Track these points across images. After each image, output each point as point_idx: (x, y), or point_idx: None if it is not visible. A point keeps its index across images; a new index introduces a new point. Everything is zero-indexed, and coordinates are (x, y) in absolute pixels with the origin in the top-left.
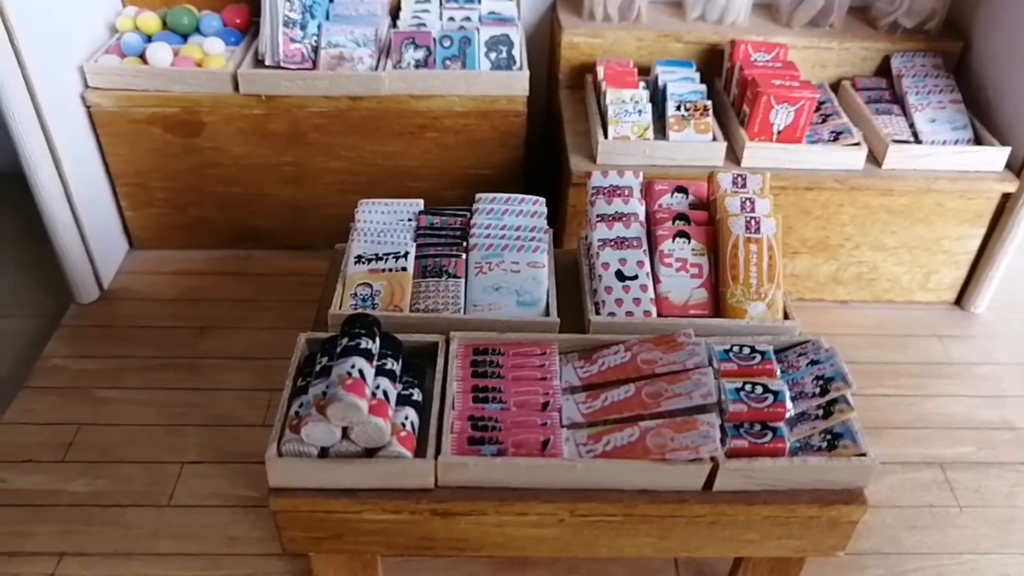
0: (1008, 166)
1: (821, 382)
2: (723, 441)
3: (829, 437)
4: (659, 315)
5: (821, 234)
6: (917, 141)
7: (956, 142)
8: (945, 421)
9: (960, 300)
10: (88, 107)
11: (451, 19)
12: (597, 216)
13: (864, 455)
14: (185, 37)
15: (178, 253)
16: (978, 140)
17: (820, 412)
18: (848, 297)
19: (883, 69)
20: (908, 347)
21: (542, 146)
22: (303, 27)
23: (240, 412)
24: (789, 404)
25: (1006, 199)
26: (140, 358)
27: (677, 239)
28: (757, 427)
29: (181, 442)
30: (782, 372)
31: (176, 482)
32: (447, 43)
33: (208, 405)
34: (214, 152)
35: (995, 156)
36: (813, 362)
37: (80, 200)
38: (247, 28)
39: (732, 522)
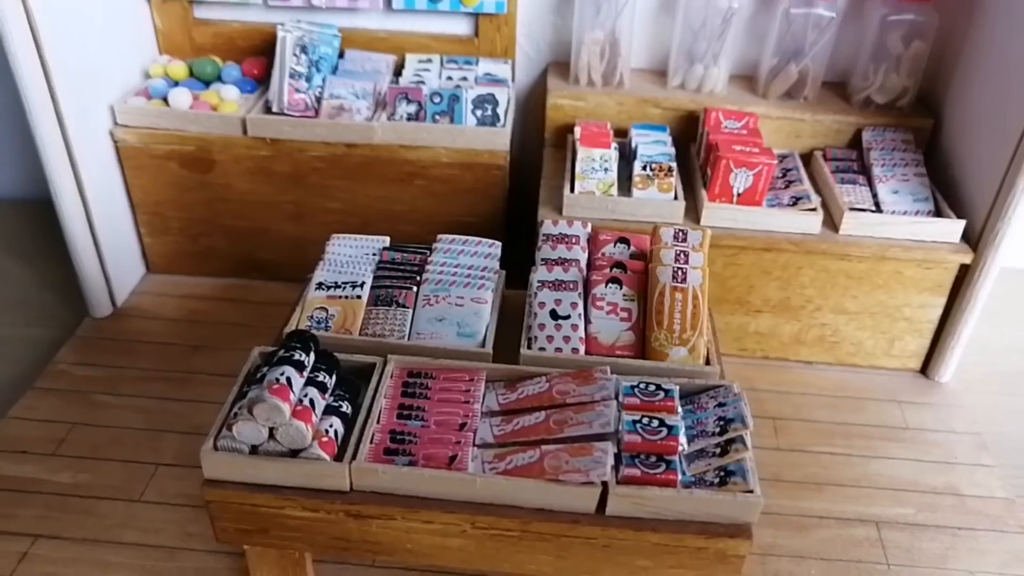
0: (965, 239)
1: (722, 422)
2: (618, 468)
3: (723, 474)
4: (587, 353)
5: (782, 294)
6: (879, 210)
7: (916, 213)
8: (889, 482)
9: (925, 368)
10: (116, 142)
11: (449, 78)
12: (542, 260)
13: (751, 492)
14: (207, 84)
15: (188, 279)
16: (939, 213)
17: (717, 450)
18: (812, 358)
19: (856, 142)
20: (865, 410)
21: (529, 196)
22: (308, 79)
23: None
24: (683, 439)
25: (965, 270)
26: (138, 369)
27: (610, 284)
28: (652, 458)
29: (160, 446)
30: (691, 412)
31: (149, 480)
32: (437, 99)
33: (190, 415)
34: (224, 188)
35: (950, 228)
36: (720, 404)
37: (100, 225)
38: (263, 78)
39: (623, 547)
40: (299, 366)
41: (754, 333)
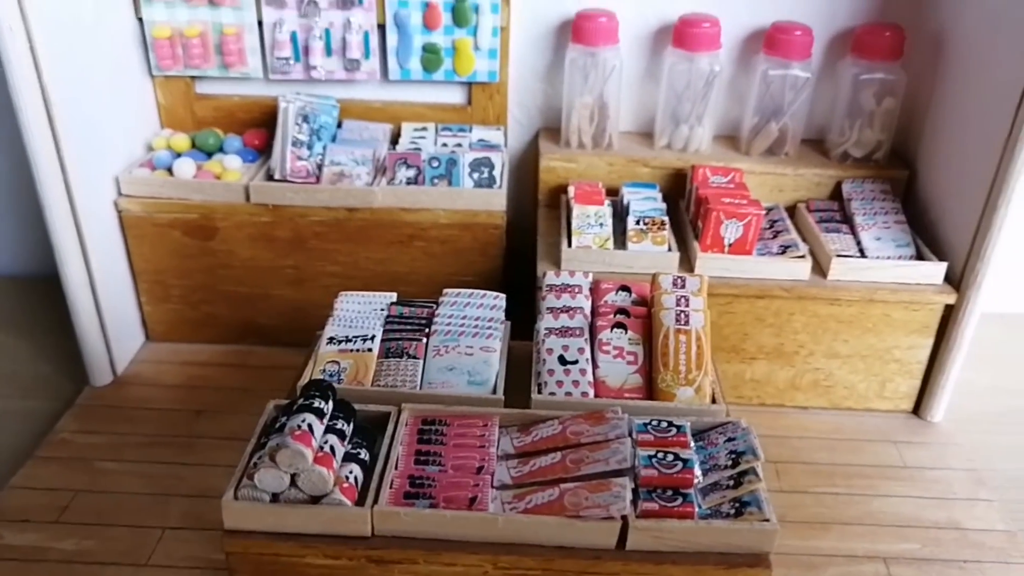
0: (948, 280)
1: (733, 455)
2: (636, 504)
3: (738, 505)
4: (596, 396)
5: (776, 341)
6: (863, 256)
7: (899, 257)
8: (892, 519)
9: (917, 409)
10: (119, 211)
11: (444, 145)
12: (547, 308)
13: (767, 520)
14: (210, 155)
15: (188, 346)
16: (920, 257)
17: (731, 482)
18: (807, 403)
19: (836, 193)
20: (863, 451)
21: (525, 257)
22: (309, 147)
23: (223, 484)
24: (698, 472)
25: (950, 311)
26: (140, 435)
27: (615, 329)
28: (668, 492)
29: (166, 510)
30: (702, 448)
31: (156, 545)
32: (435, 164)
33: (195, 478)
34: (225, 254)
35: (933, 270)
36: (730, 439)
37: (103, 294)
38: (264, 148)
39: None
40: (319, 413)
41: (750, 380)
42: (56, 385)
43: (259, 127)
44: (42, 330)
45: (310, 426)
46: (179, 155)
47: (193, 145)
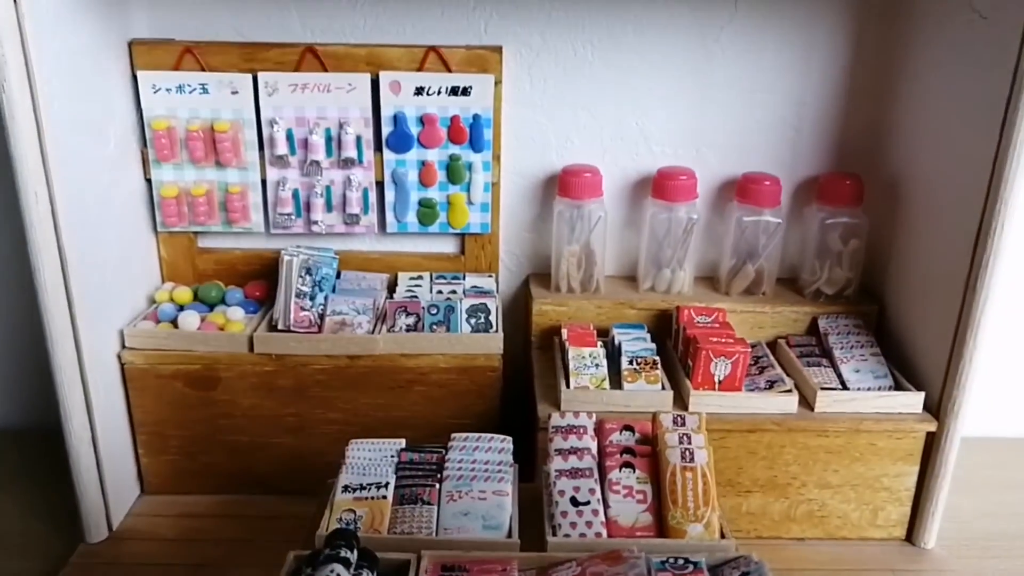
0: (927, 408)
1: None
2: None
3: None
4: (609, 536)
5: (769, 473)
6: (845, 388)
7: (879, 388)
8: None
9: (910, 536)
10: (122, 364)
11: (439, 292)
12: (555, 450)
13: None
14: (212, 307)
15: (184, 498)
16: (898, 386)
17: None
18: (803, 534)
19: (813, 328)
20: None
21: (520, 398)
22: (312, 298)
23: None
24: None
25: (932, 437)
26: None
27: (623, 469)
28: None
29: None
30: None
31: None
32: (434, 311)
33: None
34: (227, 404)
35: (912, 400)
36: (744, 573)
37: (104, 447)
38: (265, 299)
39: None
40: (346, 563)
41: (746, 513)
42: (49, 543)
43: (259, 279)
44: (30, 485)
45: (338, 575)
46: (182, 307)
47: (196, 297)
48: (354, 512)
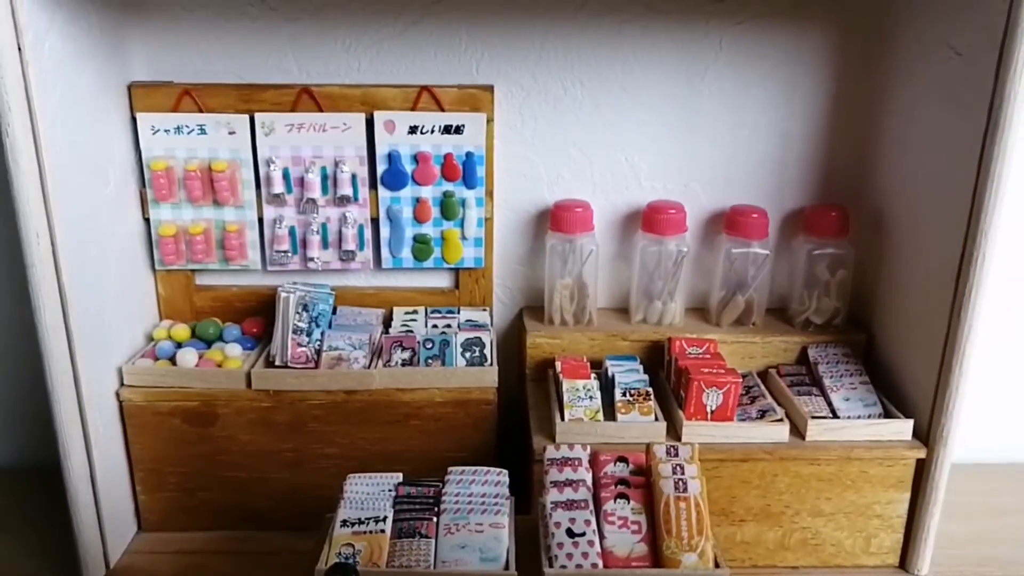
0: (916, 436)
1: None
2: None
3: None
4: (605, 567)
5: (762, 502)
6: (835, 416)
7: (869, 416)
8: None
9: (903, 563)
10: (120, 402)
11: (434, 326)
12: (551, 482)
13: None
14: (209, 344)
15: (181, 535)
16: (887, 414)
17: None
18: (797, 563)
19: (803, 358)
20: None
21: (515, 430)
22: (308, 334)
23: None
24: None
25: (922, 464)
26: None
27: (618, 500)
28: None
29: None
30: None
31: None
32: (429, 345)
33: None
34: (224, 440)
35: (902, 427)
36: None
37: (103, 486)
38: (262, 336)
39: None
40: None
41: (740, 543)
42: None
43: (256, 315)
44: (22, 525)
45: None
46: (180, 344)
47: (194, 334)
48: (353, 546)
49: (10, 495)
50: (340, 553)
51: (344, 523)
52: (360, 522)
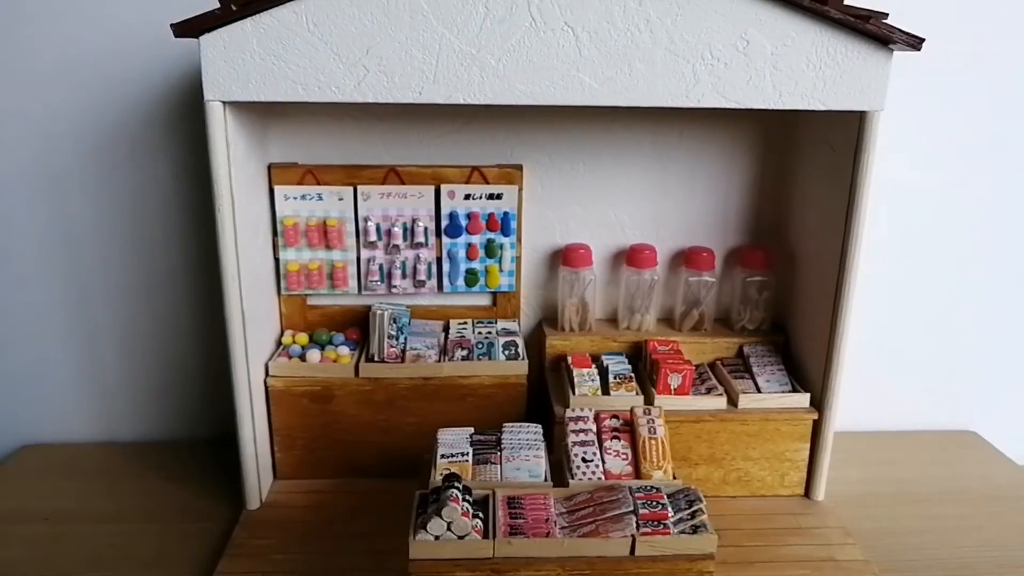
0: (812, 404)
1: (688, 502)
2: (638, 529)
3: (693, 528)
4: (605, 479)
5: (709, 451)
6: (759, 392)
7: (782, 391)
8: (792, 558)
9: (807, 492)
10: (267, 387)
11: (479, 332)
12: (570, 431)
13: (712, 534)
14: (322, 347)
15: (308, 481)
16: (794, 390)
17: (689, 516)
18: (735, 494)
19: (740, 354)
20: (772, 520)
21: (539, 405)
22: (396, 338)
23: (365, 562)
24: (670, 511)
25: (816, 424)
26: (296, 536)
27: (613, 440)
28: (655, 523)
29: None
30: (673, 501)
31: None
32: (480, 346)
33: (345, 559)
34: (337, 414)
35: (801, 399)
36: (685, 495)
37: (260, 445)
38: (359, 340)
39: (649, 572)
40: (459, 489)
41: (695, 480)
42: (221, 510)
43: (353, 326)
44: (204, 475)
45: (456, 496)
46: (303, 347)
47: (311, 340)
48: (449, 469)
49: (186, 459)
50: (443, 473)
51: (442, 456)
52: (452, 456)
